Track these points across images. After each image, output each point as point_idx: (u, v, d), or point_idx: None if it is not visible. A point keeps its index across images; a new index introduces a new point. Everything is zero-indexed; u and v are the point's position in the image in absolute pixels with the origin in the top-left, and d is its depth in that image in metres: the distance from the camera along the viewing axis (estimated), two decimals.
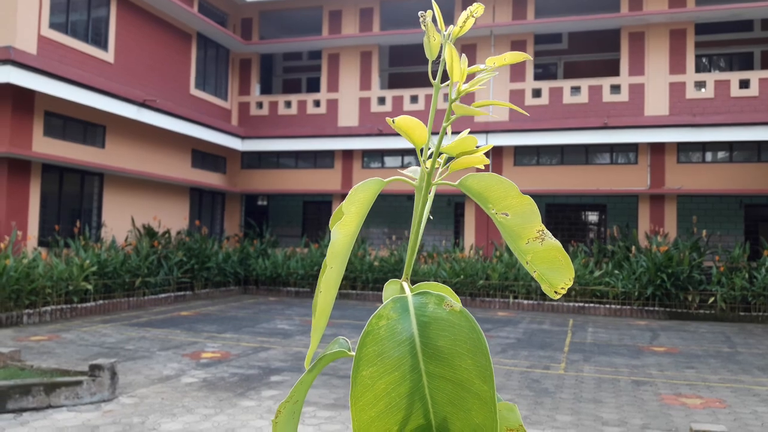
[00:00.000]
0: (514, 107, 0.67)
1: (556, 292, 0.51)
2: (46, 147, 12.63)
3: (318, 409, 6.01)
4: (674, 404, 6.60)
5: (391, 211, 18.86)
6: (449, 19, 17.87)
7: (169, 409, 5.91)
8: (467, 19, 0.64)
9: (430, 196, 0.56)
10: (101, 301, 12.43)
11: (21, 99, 12.05)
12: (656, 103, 15.91)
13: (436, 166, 0.58)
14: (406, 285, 0.48)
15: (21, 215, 12.15)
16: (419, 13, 0.62)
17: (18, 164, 12.09)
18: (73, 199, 13.74)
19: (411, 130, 0.55)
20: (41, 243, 12.57)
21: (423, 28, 0.63)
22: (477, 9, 0.64)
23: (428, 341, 0.42)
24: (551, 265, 0.51)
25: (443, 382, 0.41)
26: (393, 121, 0.58)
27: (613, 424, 5.84)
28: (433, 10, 0.63)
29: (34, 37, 12.36)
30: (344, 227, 0.51)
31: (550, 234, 0.52)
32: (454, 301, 0.44)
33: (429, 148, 0.56)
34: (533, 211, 0.51)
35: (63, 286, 11.45)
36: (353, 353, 0.51)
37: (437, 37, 0.60)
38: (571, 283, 0.50)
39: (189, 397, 6.33)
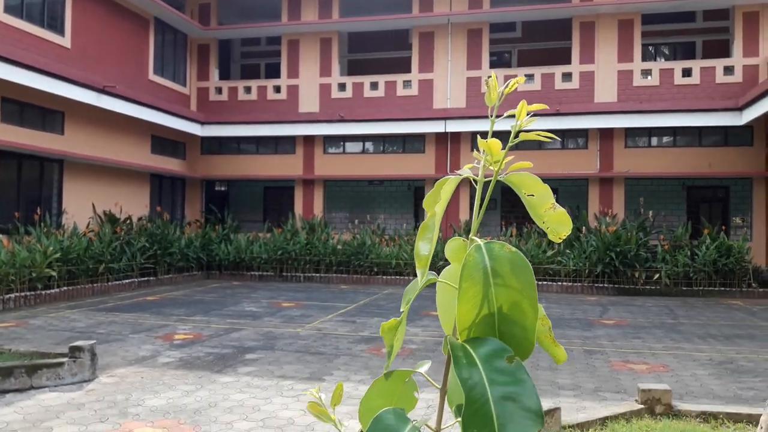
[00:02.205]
0: (545, 135, 1.01)
1: (560, 238, 0.88)
2: (3, 134, 12.44)
3: (295, 383, 6.35)
4: (623, 370, 7.19)
5: (353, 195, 19.18)
6: (407, 8, 18.21)
7: (151, 387, 6.15)
8: (514, 84, 0.97)
9: (491, 187, 0.90)
10: (66, 288, 12.40)
11: None
12: (605, 91, 16.67)
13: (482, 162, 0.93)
14: (478, 239, 0.83)
15: None
16: (483, 79, 0.96)
17: None
18: (32, 186, 13.58)
19: (491, 147, 0.89)
20: (1, 230, 12.42)
21: (484, 88, 0.96)
22: (520, 80, 0.98)
23: (494, 267, 0.78)
24: (559, 223, 0.87)
25: (502, 288, 0.77)
26: (483, 141, 0.91)
27: (569, 388, 6.37)
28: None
29: None
30: (440, 204, 0.86)
31: (558, 205, 0.88)
32: (509, 246, 0.80)
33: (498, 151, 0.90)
34: (549, 193, 0.87)
35: (26, 273, 11.40)
36: (436, 279, 0.86)
37: (494, 94, 0.94)
38: (569, 232, 0.87)
39: (168, 376, 6.58)
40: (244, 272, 17.13)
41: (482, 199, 0.86)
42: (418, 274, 0.87)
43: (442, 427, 0.70)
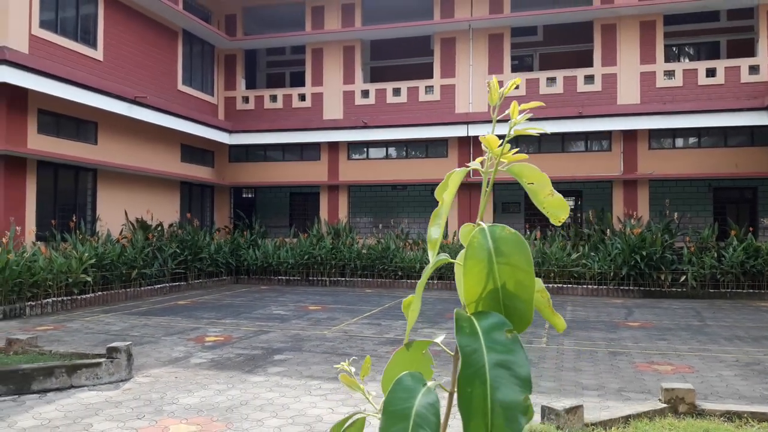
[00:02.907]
0: (540, 130, 1.17)
1: (559, 221, 1.03)
2: (40, 144, 12.92)
3: (323, 382, 6.54)
4: (647, 371, 7.23)
5: (377, 200, 19.38)
6: (428, 15, 18.39)
7: (184, 386, 6.39)
8: (512, 86, 1.13)
9: (492, 180, 1.06)
10: (100, 293, 12.82)
11: (15, 97, 12.31)
12: (628, 92, 16.63)
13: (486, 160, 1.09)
14: (483, 223, 0.99)
15: (19, 211, 12.45)
16: (486, 81, 1.12)
17: (14, 161, 12.37)
18: (68, 194, 14.05)
19: (489, 142, 1.06)
20: (39, 238, 12.88)
21: (488, 89, 1.12)
22: (516, 81, 1.14)
23: (497, 247, 0.94)
24: (557, 208, 1.03)
25: (505, 266, 0.93)
26: (483, 137, 1.07)
27: (592, 389, 6.44)
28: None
29: (26, 36, 12.61)
30: (448, 193, 1.03)
31: (556, 192, 1.04)
32: (509, 228, 0.96)
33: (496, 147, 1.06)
34: (547, 181, 1.03)
35: (63, 279, 11.81)
36: (453, 260, 1.03)
37: (495, 95, 1.10)
38: (567, 216, 1.02)
39: (200, 376, 6.82)
40: (272, 277, 17.44)
41: (485, 188, 1.01)
42: (429, 255, 1.03)
43: (456, 389, 0.86)
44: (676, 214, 15.95)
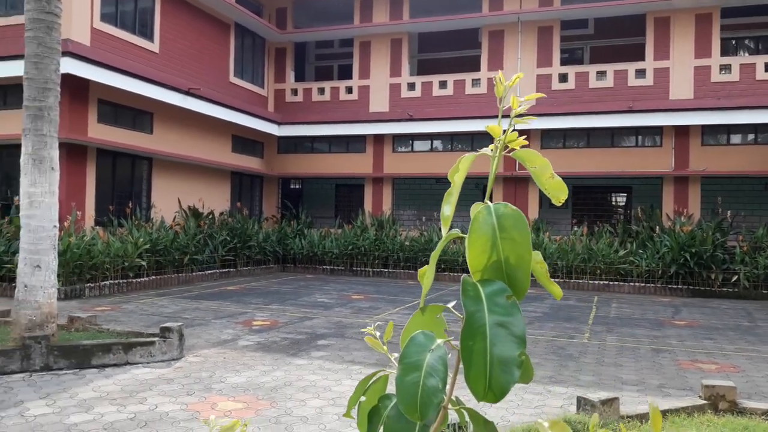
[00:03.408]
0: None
1: (559, 201, 1.15)
2: (100, 133, 13.53)
3: (363, 367, 6.74)
4: (690, 368, 7.16)
5: (421, 193, 19.47)
6: (477, 7, 18.31)
7: (232, 366, 6.69)
8: (515, 80, 1.25)
9: (499, 162, 1.19)
10: (154, 277, 13.38)
11: (77, 88, 12.91)
12: (681, 87, 16.21)
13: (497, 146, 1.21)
14: (489, 202, 1.12)
15: (79, 197, 13.09)
16: (494, 77, 1.25)
17: (76, 149, 13.00)
18: (124, 181, 14.69)
19: (493, 130, 1.19)
20: (97, 223, 13.52)
21: (494, 82, 1.25)
22: (519, 76, 1.26)
23: (500, 222, 1.07)
24: (557, 189, 1.15)
25: (507, 240, 1.06)
26: (489, 126, 1.20)
27: (632, 384, 6.44)
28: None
29: (88, 29, 13.20)
30: (459, 175, 1.16)
31: (557, 175, 1.15)
32: (511, 206, 1.09)
33: (499, 139, 1.19)
34: (548, 165, 1.15)
35: (119, 262, 12.39)
36: (464, 235, 1.16)
37: (501, 87, 1.23)
38: (566, 197, 1.14)
39: (247, 357, 7.12)
40: (317, 266, 17.80)
41: (494, 170, 1.14)
42: (442, 230, 1.18)
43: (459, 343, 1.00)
44: (729, 212, 15.51)
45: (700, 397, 5.44)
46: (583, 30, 19.18)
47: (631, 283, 14.89)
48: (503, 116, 1.17)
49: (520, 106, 1.11)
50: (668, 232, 15.04)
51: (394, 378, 1.06)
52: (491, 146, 1.15)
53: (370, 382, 1.25)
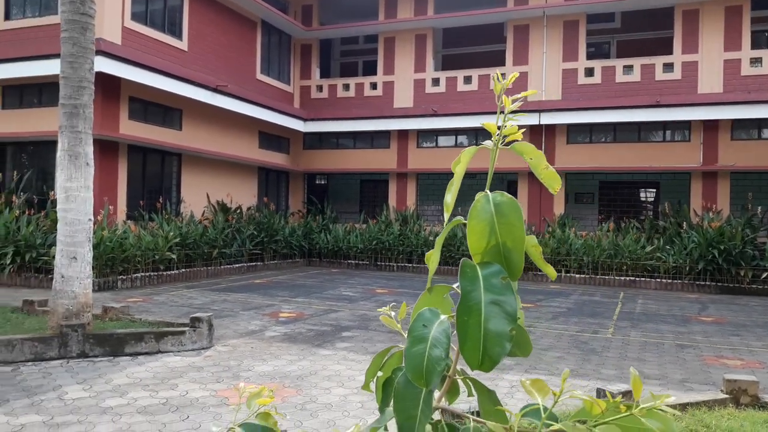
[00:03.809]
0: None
1: (554, 190, 1.26)
2: (131, 129, 13.89)
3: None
4: (714, 364, 7.13)
5: (445, 188, 19.49)
6: (502, 2, 18.25)
7: (259, 356, 6.88)
8: (512, 78, 1.36)
9: (496, 155, 1.29)
10: (183, 269, 13.71)
11: (109, 86, 13.27)
12: (710, 81, 15.98)
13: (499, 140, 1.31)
14: (489, 192, 1.23)
15: (111, 192, 13.47)
16: (492, 75, 1.35)
17: (108, 145, 13.37)
18: (155, 177, 15.05)
19: (490, 126, 1.29)
20: (129, 217, 13.89)
21: (493, 81, 1.35)
22: (514, 76, 1.37)
23: (498, 210, 1.18)
24: (551, 179, 1.25)
25: (503, 224, 1.17)
26: (486, 123, 1.32)
27: (654, 378, 6.45)
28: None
29: (119, 28, 13.55)
30: (460, 166, 1.28)
31: (551, 167, 1.26)
32: (507, 194, 1.20)
33: (497, 132, 1.29)
34: (543, 157, 1.25)
35: (150, 256, 12.72)
36: (465, 220, 1.27)
37: (498, 86, 1.33)
38: (559, 186, 1.24)
39: (274, 347, 7.31)
40: (342, 260, 18.00)
41: (492, 162, 1.26)
42: (445, 217, 1.29)
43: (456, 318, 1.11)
44: (759, 208, 15.26)
45: (722, 391, 5.45)
46: (609, 24, 19.01)
47: (658, 280, 14.77)
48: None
49: (513, 103, 1.22)
50: (696, 228, 14.87)
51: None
52: (494, 138, 1.26)
53: (386, 357, 1.37)
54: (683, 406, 5.13)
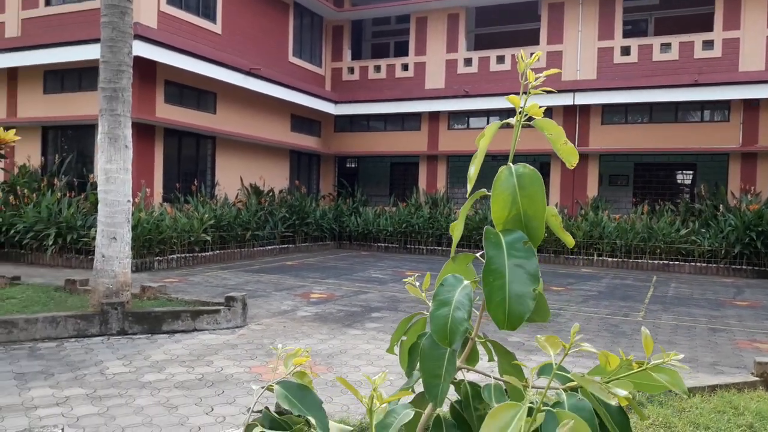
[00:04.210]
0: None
1: (571, 165, 1.30)
2: (167, 113, 14.15)
3: None
4: (747, 348, 7.05)
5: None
6: None
7: (291, 334, 7.04)
8: (535, 57, 1.40)
9: (517, 131, 1.34)
10: (218, 251, 14.00)
11: (145, 70, 13.52)
12: (752, 58, 15.50)
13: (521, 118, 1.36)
14: (511, 164, 1.28)
15: (148, 174, 13.78)
16: (513, 54, 1.40)
17: (145, 129, 13.66)
18: (190, 160, 15.33)
19: (513, 100, 1.34)
20: (165, 199, 14.21)
21: (518, 60, 1.40)
22: (538, 54, 1.41)
23: (520, 181, 1.23)
24: (569, 154, 1.30)
25: (525, 195, 1.22)
26: (510, 96, 1.36)
27: (685, 361, 6.38)
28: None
29: (155, 12, 13.76)
30: (484, 140, 1.33)
31: (570, 142, 1.30)
32: (529, 166, 1.24)
33: (519, 108, 1.34)
34: (562, 132, 1.30)
35: (186, 237, 13.02)
36: (489, 192, 1.33)
37: (522, 64, 1.37)
38: (577, 161, 1.29)
39: (306, 326, 7.46)
40: (371, 243, 18.12)
41: (515, 138, 1.30)
42: (468, 188, 1.35)
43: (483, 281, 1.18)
44: None
45: (752, 374, 5.40)
46: (647, 0, 18.53)
47: (692, 264, 14.53)
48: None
49: (536, 80, 1.26)
50: (733, 211, 14.55)
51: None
52: (517, 116, 1.31)
53: (410, 323, 1.44)
54: (712, 388, 5.10)
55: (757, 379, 5.26)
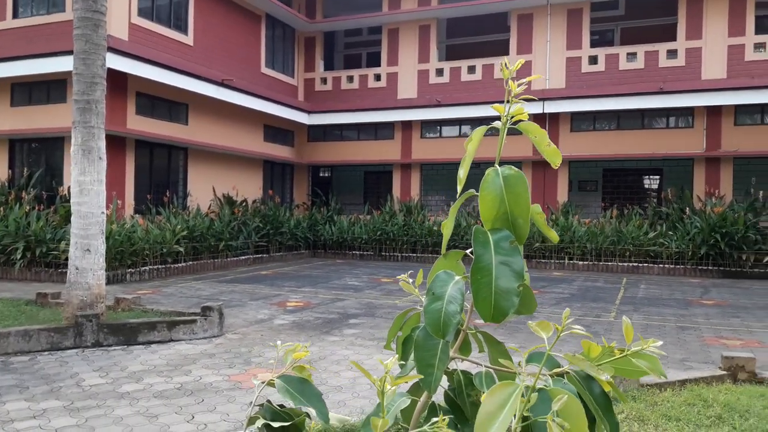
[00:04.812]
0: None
1: (555, 165, 1.39)
2: (138, 124, 14.02)
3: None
4: (714, 344, 7.27)
5: (449, 178, 19.63)
6: None
7: (269, 342, 7.05)
8: (517, 65, 1.49)
9: (505, 133, 1.43)
10: (191, 262, 13.89)
11: (116, 82, 13.38)
12: (713, 67, 16.03)
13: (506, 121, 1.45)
14: (498, 167, 1.37)
15: (119, 186, 13.62)
16: (496, 64, 1.48)
17: (115, 140, 13.51)
18: (162, 171, 15.20)
19: (498, 108, 1.43)
20: (136, 211, 14.05)
21: (497, 70, 1.48)
22: (520, 62, 1.50)
23: (506, 182, 1.31)
24: (553, 155, 1.39)
25: (511, 194, 1.30)
26: (495, 105, 1.45)
27: None
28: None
29: (126, 24, 13.66)
30: (472, 144, 1.41)
31: (553, 144, 1.39)
32: (514, 168, 1.33)
33: (505, 114, 1.42)
34: (545, 134, 1.38)
35: (158, 249, 12.89)
36: (477, 192, 1.41)
37: (506, 72, 1.46)
38: (560, 161, 1.37)
39: (283, 334, 7.47)
40: (347, 251, 18.15)
41: (501, 141, 1.39)
42: (458, 190, 1.43)
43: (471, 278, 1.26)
44: (761, 193, 15.34)
45: (720, 368, 5.59)
46: (613, 11, 19.02)
47: (661, 265, 14.89)
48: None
49: (518, 87, 1.35)
50: (699, 214, 14.98)
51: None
52: (503, 120, 1.39)
53: (405, 318, 1.51)
54: (682, 383, 5.26)
55: (725, 372, 5.45)
